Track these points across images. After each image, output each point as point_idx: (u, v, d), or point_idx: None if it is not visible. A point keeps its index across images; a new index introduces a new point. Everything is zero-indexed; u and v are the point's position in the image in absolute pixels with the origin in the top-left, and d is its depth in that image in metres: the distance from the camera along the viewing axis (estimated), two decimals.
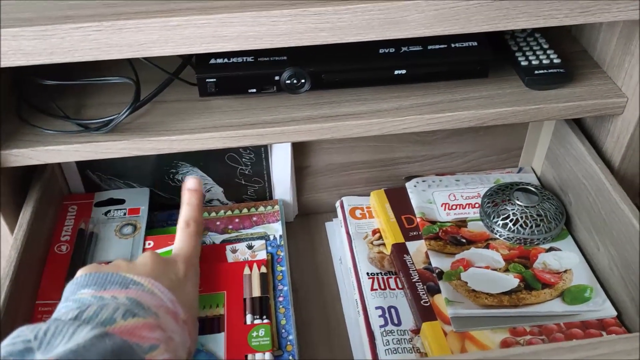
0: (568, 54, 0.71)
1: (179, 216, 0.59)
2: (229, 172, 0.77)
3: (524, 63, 0.67)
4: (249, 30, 0.52)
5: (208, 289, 0.66)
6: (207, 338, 0.62)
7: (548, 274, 0.68)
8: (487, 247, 0.71)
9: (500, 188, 0.75)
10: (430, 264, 0.69)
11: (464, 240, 0.72)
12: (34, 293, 0.64)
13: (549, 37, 0.72)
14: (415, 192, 0.78)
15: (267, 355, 0.61)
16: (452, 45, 0.65)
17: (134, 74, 0.63)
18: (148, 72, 0.63)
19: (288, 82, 0.63)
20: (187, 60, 0.65)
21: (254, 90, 0.64)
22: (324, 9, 0.51)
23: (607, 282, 0.67)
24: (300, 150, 0.78)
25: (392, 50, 0.65)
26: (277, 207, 0.78)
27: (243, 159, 0.76)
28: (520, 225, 0.70)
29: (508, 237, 0.71)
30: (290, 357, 0.62)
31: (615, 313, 0.64)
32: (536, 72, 0.66)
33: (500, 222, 0.71)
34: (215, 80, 0.63)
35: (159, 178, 0.77)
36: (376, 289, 0.69)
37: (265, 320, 0.64)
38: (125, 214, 0.74)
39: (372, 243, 0.75)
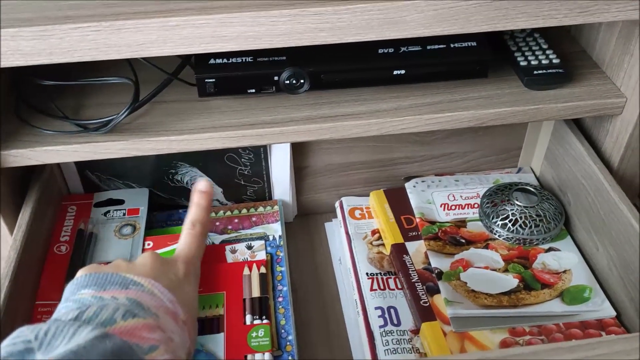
0: (567, 54, 0.71)
1: (186, 216, 0.59)
2: (228, 173, 0.77)
3: (523, 63, 0.67)
4: (248, 31, 0.52)
5: (207, 290, 0.66)
6: (206, 338, 0.62)
7: (547, 274, 0.68)
8: (486, 247, 0.71)
9: (500, 188, 0.76)
10: (429, 264, 0.69)
11: (463, 241, 0.72)
12: (33, 293, 0.64)
13: (548, 37, 0.72)
14: (414, 192, 0.78)
15: (267, 355, 0.61)
16: (451, 45, 0.65)
17: (133, 74, 0.63)
18: (147, 73, 0.63)
19: (287, 82, 0.63)
20: (186, 60, 0.65)
21: (253, 90, 0.64)
22: (324, 9, 0.51)
23: (606, 282, 0.67)
24: (299, 151, 0.78)
25: (391, 50, 0.65)
26: (276, 207, 0.78)
27: (242, 159, 0.76)
28: (520, 226, 0.70)
29: (507, 238, 0.71)
30: (290, 358, 0.62)
31: (614, 313, 0.64)
32: (535, 72, 0.66)
33: (500, 223, 0.71)
34: (214, 80, 0.63)
35: (158, 178, 0.77)
36: (375, 289, 0.69)
37: (265, 321, 0.64)
38: (124, 214, 0.74)
39: (371, 243, 0.75)
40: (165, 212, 0.78)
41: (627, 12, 0.55)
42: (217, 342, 0.62)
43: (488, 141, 0.82)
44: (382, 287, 0.69)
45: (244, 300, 0.66)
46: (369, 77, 0.65)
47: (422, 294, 0.66)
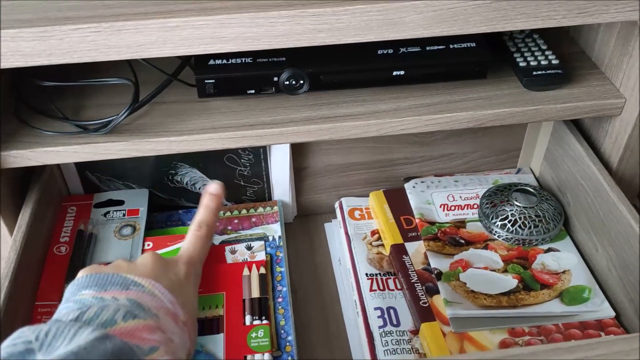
0: (566, 55, 0.71)
1: (194, 217, 0.59)
2: (227, 173, 0.77)
3: (522, 64, 0.68)
4: (248, 32, 0.52)
5: (207, 290, 0.66)
6: (206, 339, 0.62)
7: (546, 274, 0.68)
8: (485, 247, 0.71)
9: (499, 189, 0.76)
10: (429, 264, 0.69)
11: (463, 241, 0.72)
12: (33, 294, 0.64)
13: (547, 38, 0.72)
14: (414, 193, 0.78)
15: (266, 356, 0.61)
16: (451, 46, 0.65)
17: (132, 75, 0.63)
18: (147, 73, 0.63)
19: (287, 83, 0.63)
20: (185, 61, 0.65)
21: (253, 91, 0.64)
22: (322, 10, 0.51)
23: (606, 282, 0.67)
24: (299, 151, 0.78)
25: (390, 51, 0.65)
26: (276, 208, 0.78)
27: (242, 160, 0.76)
28: (519, 226, 0.71)
29: (507, 238, 0.71)
30: (289, 358, 0.62)
31: (613, 314, 0.64)
32: (534, 73, 0.66)
33: (499, 223, 0.71)
34: (214, 81, 0.63)
35: (158, 179, 0.77)
36: (375, 290, 0.69)
37: (265, 321, 0.64)
38: (124, 215, 0.74)
39: (371, 244, 0.75)
40: (165, 212, 0.78)
41: (625, 13, 0.55)
42: (217, 343, 0.62)
43: (487, 142, 0.82)
44: (381, 287, 0.69)
45: (244, 300, 0.66)
46: (368, 78, 0.65)
47: (422, 295, 0.66)
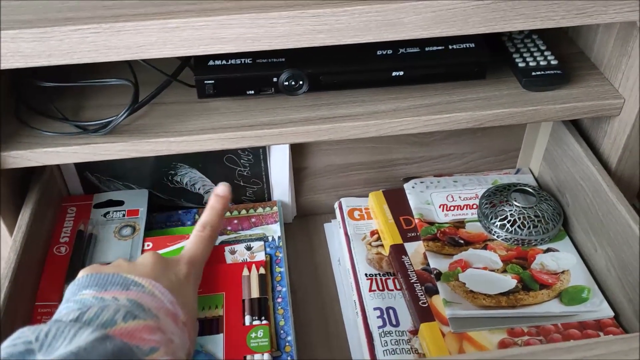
0: (565, 55, 0.71)
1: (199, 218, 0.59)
2: (227, 174, 0.77)
3: (521, 64, 0.68)
4: (247, 32, 0.52)
5: (207, 290, 0.67)
6: (206, 339, 0.62)
7: (546, 274, 0.68)
8: (485, 248, 0.71)
9: (498, 189, 0.76)
10: (428, 265, 0.70)
11: (462, 241, 0.72)
12: (33, 294, 0.64)
13: (546, 38, 0.72)
14: (413, 193, 0.78)
15: (266, 356, 0.61)
16: (450, 46, 0.65)
17: (132, 75, 0.63)
18: (146, 74, 0.63)
19: (286, 83, 0.64)
20: (185, 62, 0.65)
21: (252, 91, 0.64)
22: (322, 10, 0.52)
23: (605, 283, 0.67)
24: (298, 152, 0.79)
25: (389, 51, 0.65)
26: (275, 208, 0.78)
27: (241, 161, 0.76)
28: (518, 226, 0.71)
29: (506, 238, 0.71)
30: (289, 358, 0.62)
31: (612, 314, 0.64)
32: (533, 73, 0.66)
33: (498, 223, 0.72)
34: (213, 81, 0.63)
35: (158, 179, 0.77)
36: (374, 290, 0.69)
37: (264, 321, 0.64)
38: (124, 215, 0.74)
39: (370, 244, 0.75)
40: (164, 213, 0.78)
41: (624, 14, 0.55)
42: (217, 343, 0.62)
43: (486, 142, 0.82)
44: (381, 287, 0.70)
45: (243, 301, 0.66)
46: (368, 79, 0.66)
47: (421, 295, 0.67)
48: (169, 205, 0.79)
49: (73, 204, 0.75)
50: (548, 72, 0.67)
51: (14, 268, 0.59)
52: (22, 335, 0.39)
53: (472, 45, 0.66)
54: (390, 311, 0.67)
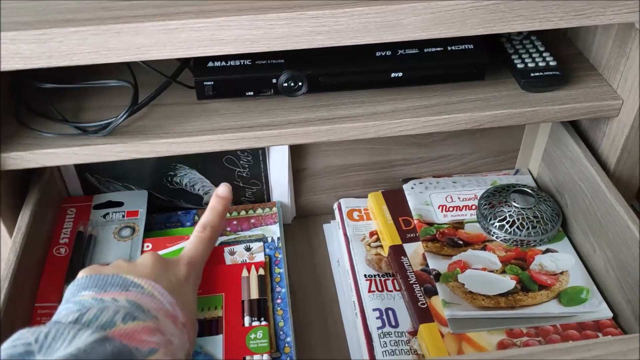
0: (564, 56, 0.72)
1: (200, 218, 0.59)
2: (227, 175, 0.77)
3: (520, 65, 0.68)
4: (246, 34, 0.52)
5: (206, 291, 0.67)
6: (205, 340, 0.63)
7: (544, 275, 0.68)
8: (483, 248, 0.71)
9: (497, 190, 0.76)
10: (427, 265, 0.70)
11: (461, 242, 0.72)
12: (32, 296, 0.64)
13: (545, 39, 0.72)
14: (412, 194, 0.78)
15: (265, 357, 0.61)
16: (449, 48, 0.66)
17: (132, 77, 0.64)
18: (146, 75, 0.64)
19: (285, 85, 0.64)
20: (184, 63, 0.66)
21: (252, 93, 0.65)
22: (321, 12, 0.52)
23: (603, 283, 0.67)
24: (297, 153, 0.79)
25: (388, 53, 0.65)
26: (275, 209, 0.78)
27: (241, 162, 0.77)
28: (517, 227, 0.71)
29: (505, 239, 0.71)
30: (288, 359, 0.62)
31: (611, 314, 0.64)
32: (532, 74, 0.66)
33: (497, 224, 0.72)
34: (212, 83, 0.63)
35: (157, 180, 0.77)
36: (374, 291, 0.69)
37: (263, 322, 0.64)
38: (123, 216, 0.74)
39: (369, 245, 0.75)
40: (164, 214, 0.78)
41: (622, 15, 0.55)
42: (216, 344, 0.62)
43: (485, 143, 0.82)
44: (380, 288, 0.70)
45: (243, 302, 0.66)
46: (367, 80, 0.66)
47: (420, 296, 0.67)
48: (169, 206, 0.79)
49: (73, 205, 0.75)
50: (547, 73, 0.67)
51: (13, 269, 0.59)
52: (22, 337, 0.39)
53: (471, 46, 0.66)
54: (390, 312, 0.67)
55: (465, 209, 0.76)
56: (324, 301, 0.73)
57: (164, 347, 0.43)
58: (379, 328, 0.65)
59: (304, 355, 0.66)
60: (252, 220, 0.77)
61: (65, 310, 0.44)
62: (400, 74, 0.65)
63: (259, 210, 0.78)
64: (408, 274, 0.69)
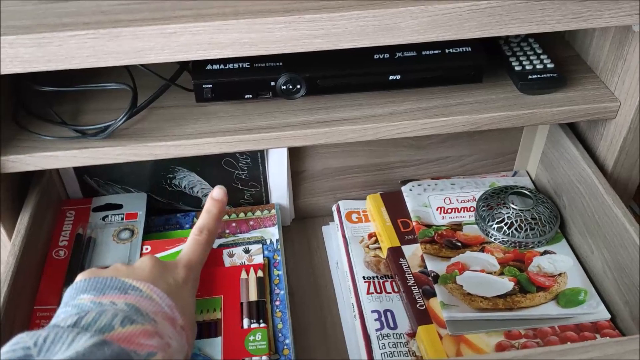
0: (561, 58, 0.72)
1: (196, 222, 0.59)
2: (225, 177, 0.78)
3: (517, 68, 0.68)
4: (245, 37, 0.52)
5: (205, 293, 0.67)
6: (204, 342, 0.63)
7: (543, 277, 0.68)
8: (482, 250, 0.72)
9: (495, 192, 0.76)
10: (425, 267, 0.70)
11: (460, 244, 0.72)
12: (32, 298, 0.64)
13: (543, 42, 0.72)
14: (410, 195, 0.79)
15: (264, 359, 0.61)
16: (446, 50, 0.66)
17: (131, 80, 0.64)
18: (145, 78, 0.64)
19: (284, 87, 0.64)
20: (183, 66, 0.66)
21: (250, 95, 0.65)
22: (319, 15, 0.52)
23: (601, 285, 0.67)
24: (296, 155, 0.79)
25: (386, 55, 0.65)
26: (273, 211, 0.79)
27: (240, 164, 0.77)
28: (515, 229, 0.71)
29: (503, 241, 0.72)
30: None
31: (609, 316, 0.64)
32: (530, 77, 0.67)
33: (495, 226, 0.72)
34: (211, 86, 0.63)
35: (156, 183, 0.78)
36: (372, 293, 0.69)
37: (262, 324, 0.64)
38: (122, 218, 0.74)
39: (368, 247, 0.75)
40: (163, 216, 0.78)
41: (619, 18, 0.55)
42: (215, 346, 0.62)
43: (483, 145, 0.82)
44: (378, 290, 0.70)
45: (242, 304, 0.66)
46: (365, 82, 0.66)
47: (419, 297, 0.67)
48: (168, 209, 0.80)
49: (72, 207, 0.75)
50: (544, 75, 0.67)
51: (12, 272, 0.59)
52: (21, 341, 0.39)
53: (469, 49, 0.66)
54: (388, 314, 0.67)
55: (464, 211, 0.76)
56: (322, 303, 0.73)
57: (163, 350, 0.43)
58: (377, 330, 0.65)
59: (303, 357, 0.66)
60: (251, 223, 0.77)
61: (63, 314, 0.45)
62: (398, 77, 0.65)
63: (258, 213, 0.78)
64: (406, 275, 0.69)
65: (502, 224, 0.71)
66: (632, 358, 0.44)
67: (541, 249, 0.71)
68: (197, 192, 0.79)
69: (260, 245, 0.73)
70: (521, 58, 0.69)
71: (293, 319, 0.69)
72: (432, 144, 0.81)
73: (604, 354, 0.45)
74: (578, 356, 0.44)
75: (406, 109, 0.65)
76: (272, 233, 0.76)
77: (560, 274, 0.69)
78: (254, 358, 0.61)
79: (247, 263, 0.71)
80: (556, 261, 0.70)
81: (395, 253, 0.72)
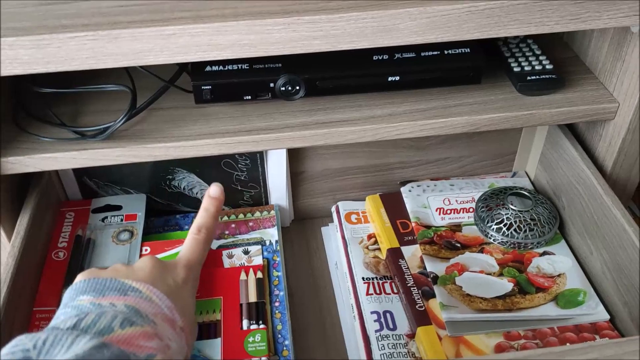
0: (560, 59, 0.72)
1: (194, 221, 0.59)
2: (225, 178, 0.78)
3: (516, 69, 0.68)
4: (244, 39, 0.52)
5: (204, 295, 0.67)
6: (203, 343, 0.63)
7: (542, 278, 0.68)
8: (481, 251, 0.72)
9: (495, 192, 0.76)
10: (425, 268, 0.70)
11: (459, 245, 0.72)
12: (31, 300, 0.64)
13: (541, 43, 0.72)
14: (410, 196, 0.79)
15: None
16: (445, 51, 0.66)
17: (130, 81, 0.64)
18: (144, 80, 0.64)
19: (283, 89, 0.64)
20: (183, 67, 0.66)
21: (249, 97, 0.65)
22: (318, 17, 0.52)
23: (600, 286, 0.67)
24: (295, 156, 0.79)
25: (385, 57, 0.65)
26: (273, 212, 0.79)
27: (239, 165, 0.77)
28: (514, 230, 0.71)
29: (502, 242, 0.72)
30: None
31: (608, 317, 0.64)
32: (528, 78, 0.67)
33: (495, 227, 0.72)
34: (210, 87, 0.63)
35: (156, 184, 0.78)
36: (371, 294, 0.69)
37: (262, 326, 0.64)
38: (122, 220, 0.74)
39: (367, 248, 0.75)
40: (162, 217, 0.78)
41: (618, 19, 0.55)
42: (214, 348, 0.62)
43: (483, 146, 0.82)
44: (378, 291, 0.70)
45: (241, 305, 0.66)
46: (364, 84, 0.66)
47: (418, 298, 0.67)
48: (167, 210, 0.80)
49: (71, 209, 0.75)
50: (543, 76, 0.67)
51: (12, 273, 0.59)
52: (20, 343, 0.39)
53: (468, 50, 0.66)
54: (388, 315, 0.67)
55: (463, 212, 0.77)
56: (322, 304, 0.73)
57: (162, 352, 0.43)
58: (377, 331, 0.65)
59: (302, 358, 0.66)
60: (250, 224, 0.77)
61: (63, 315, 0.45)
62: (398, 78, 0.65)
63: (257, 214, 0.78)
64: (406, 276, 0.69)
65: (501, 225, 0.72)
66: (631, 359, 0.44)
67: (540, 250, 0.72)
68: (197, 193, 0.79)
69: (259, 247, 0.73)
70: (520, 59, 0.69)
71: (292, 320, 0.69)
72: (431, 145, 0.81)
73: (603, 355, 0.45)
74: (577, 357, 0.44)
75: (405, 110, 0.65)
76: (272, 234, 0.76)
77: (559, 275, 0.69)
78: (253, 359, 0.61)
79: (246, 264, 0.71)
80: (555, 262, 0.70)
81: (395, 254, 0.72)
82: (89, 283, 0.48)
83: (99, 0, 0.54)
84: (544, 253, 0.71)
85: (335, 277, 0.76)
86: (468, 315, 0.64)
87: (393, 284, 0.71)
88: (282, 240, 0.77)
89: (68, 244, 0.70)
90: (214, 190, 0.60)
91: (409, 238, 0.74)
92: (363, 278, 0.71)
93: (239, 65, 0.64)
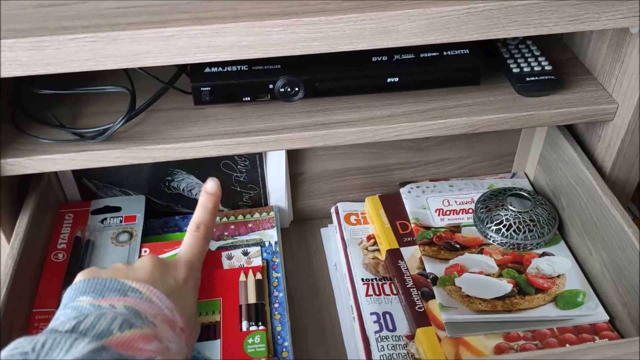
0: (559, 60, 0.72)
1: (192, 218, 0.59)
2: (224, 179, 0.78)
3: (515, 70, 0.68)
4: (243, 40, 0.52)
5: (204, 296, 0.67)
6: (203, 345, 0.63)
7: (541, 279, 0.68)
8: (480, 252, 0.72)
9: (494, 193, 0.76)
10: (424, 269, 0.70)
11: (458, 246, 0.72)
12: (30, 301, 0.64)
13: (540, 44, 0.72)
14: (409, 197, 0.79)
15: None
16: (444, 53, 0.66)
17: (129, 83, 0.64)
18: (143, 81, 0.64)
19: (282, 90, 0.64)
20: (182, 69, 0.66)
21: (248, 98, 0.65)
22: (317, 18, 0.52)
23: (600, 286, 0.67)
24: (295, 157, 0.79)
25: (384, 58, 0.65)
26: (272, 213, 0.79)
27: (238, 166, 0.77)
28: (514, 231, 0.71)
29: (501, 243, 0.72)
30: None
31: (607, 318, 0.64)
32: (527, 79, 0.67)
33: (494, 228, 0.72)
34: (209, 88, 0.63)
35: (155, 186, 0.78)
36: (371, 295, 0.69)
37: (261, 327, 0.64)
38: (121, 221, 0.74)
39: (366, 249, 0.75)
40: (161, 219, 0.78)
41: (616, 20, 0.55)
42: (214, 349, 0.62)
43: (482, 147, 0.82)
44: (377, 292, 0.70)
45: (240, 306, 0.66)
46: (363, 85, 0.66)
47: (417, 300, 0.67)
48: (166, 211, 0.80)
49: (70, 210, 0.75)
50: (542, 77, 0.67)
51: (11, 275, 0.59)
52: (19, 346, 0.39)
53: (467, 51, 0.66)
54: (387, 316, 0.67)
55: (462, 213, 0.77)
56: (321, 305, 0.73)
57: (161, 354, 0.43)
58: (376, 332, 0.65)
59: (302, 359, 0.66)
60: (250, 225, 0.77)
61: (62, 317, 0.44)
62: (397, 79, 0.65)
63: (257, 215, 0.78)
64: (405, 277, 0.69)
65: (501, 226, 0.72)
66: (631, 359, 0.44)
67: (540, 251, 0.72)
68: (196, 195, 0.79)
69: (259, 248, 0.73)
70: (519, 60, 0.69)
71: (292, 321, 0.69)
72: (431, 146, 0.81)
73: (602, 356, 0.45)
74: (577, 358, 0.44)
75: (404, 111, 0.65)
76: (271, 235, 0.76)
77: (558, 276, 0.69)
78: None
79: (245, 265, 0.71)
80: (555, 263, 0.70)
81: (394, 255, 0.72)
82: (89, 283, 0.47)
83: (98, 1, 0.54)
84: (544, 254, 0.71)
85: (334, 278, 0.76)
86: (467, 316, 0.64)
87: (392, 285, 0.71)
88: (282, 242, 0.77)
89: (67, 245, 0.70)
90: (211, 185, 0.59)
91: (409, 239, 0.74)
92: (362, 279, 0.71)
93: (238, 67, 0.64)
